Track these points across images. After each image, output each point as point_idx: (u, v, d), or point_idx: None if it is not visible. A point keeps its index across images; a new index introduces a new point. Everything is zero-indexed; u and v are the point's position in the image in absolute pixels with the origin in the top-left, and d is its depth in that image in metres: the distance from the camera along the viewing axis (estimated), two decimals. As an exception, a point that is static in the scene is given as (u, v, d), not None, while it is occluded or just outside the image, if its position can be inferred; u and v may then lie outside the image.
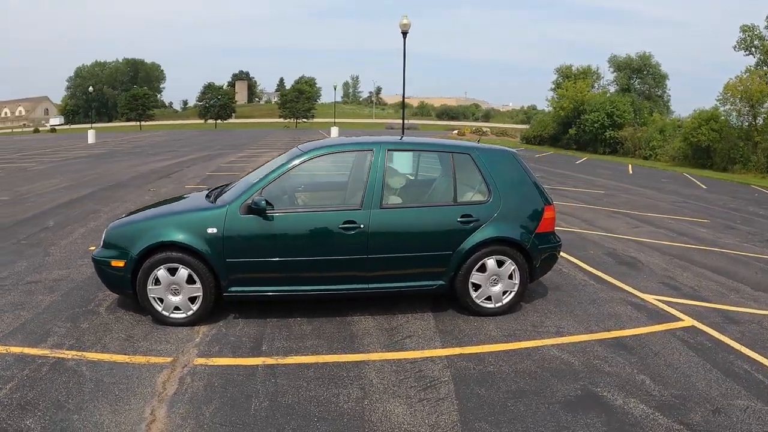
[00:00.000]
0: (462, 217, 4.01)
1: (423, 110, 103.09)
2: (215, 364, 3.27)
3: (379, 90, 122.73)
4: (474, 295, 4.09)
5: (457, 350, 3.57)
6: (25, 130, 70.87)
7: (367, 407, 2.84)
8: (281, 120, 71.76)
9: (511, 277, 4.13)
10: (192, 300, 3.79)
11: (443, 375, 3.21)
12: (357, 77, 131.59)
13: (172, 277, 3.72)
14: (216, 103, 72.81)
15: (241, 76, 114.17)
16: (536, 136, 35.94)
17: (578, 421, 2.75)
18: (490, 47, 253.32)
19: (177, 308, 3.78)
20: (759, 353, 3.62)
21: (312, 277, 3.92)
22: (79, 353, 3.33)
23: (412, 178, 4.51)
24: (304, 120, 70.28)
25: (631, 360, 3.46)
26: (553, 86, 36.71)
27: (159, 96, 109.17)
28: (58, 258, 5.37)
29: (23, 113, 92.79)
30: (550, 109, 36.64)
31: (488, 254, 4.04)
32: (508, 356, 3.49)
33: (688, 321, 4.17)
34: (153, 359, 3.30)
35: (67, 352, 3.34)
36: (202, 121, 73.04)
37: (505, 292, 4.16)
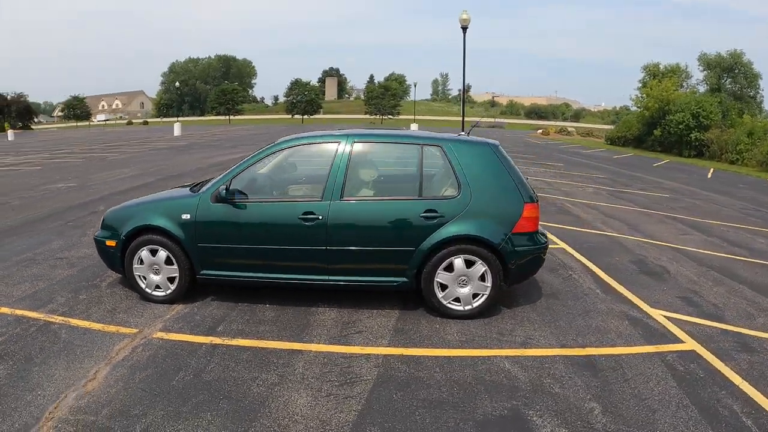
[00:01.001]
0: (425, 212, 3.82)
1: (512, 109, 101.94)
2: (170, 338, 3.52)
3: (468, 88, 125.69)
4: (440, 295, 3.89)
5: (399, 351, 3.43)
6: (118, 122, 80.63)
7: (273, 394, 2.89)
8: (367, 116, 74.26)
9: (482, 279, 3.87)
10: (171, 280, 4.09)
11: (369, 374, 3.11)
12: (446, 75, 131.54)
13: (153, 258, 4.05)
14: (303, 98, 77.20)
15: (331, 72, 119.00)
16: (620, 137, 34.85)
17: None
18: (582, 45, 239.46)
19: (158, 287, 4.11)
20: (762, 391, 2.99)
21: (276, 265, 4.00)
22: (66, 319, 3.77)
23: (381, 170, 4.36)
24: (390, 116, 71.88)
25: (592, 383, 3.04)
26: (640, 85, 35.67)
27: (250, 91, 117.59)
28: (91, 239, 5.77)
29: (119, 106, 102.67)
30: (637, 109, 36.21)
31: (455, 253, 3.82)
32: (450, 363, 3.27)
33: (689, 344, 3.58)
34: (122, 329, 3.63)
35: (57, 317, 3.80)
36: (290, 117, 77.76)
37: (476, 295, 3.90)
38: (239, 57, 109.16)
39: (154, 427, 2.57)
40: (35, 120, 64.83)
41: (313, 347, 3.46)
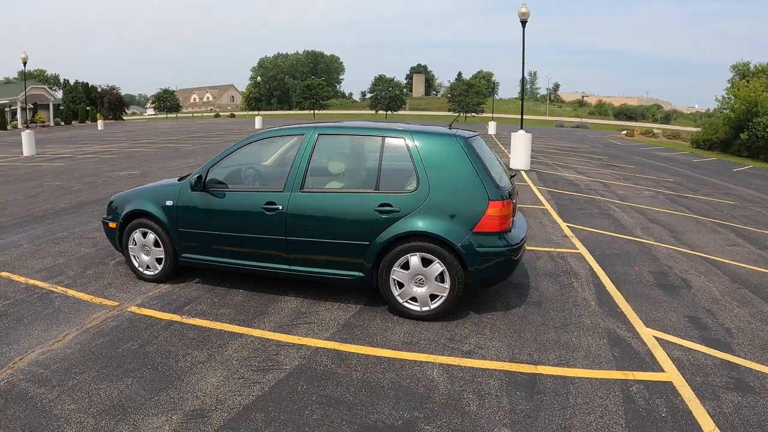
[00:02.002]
0: (380, 206, 3.70)
1: (601, 109, 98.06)
2: (139, 313, 3.82)
3: (556, 87, 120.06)
4: (396, 293, 3.76)
5: (333, 345, 3.38)
6: (205, 114, 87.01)
7: (193, 370, 3.05)
8: (451, 113, 74.11)
9: (440, 279, 3.66)
10: (158, 261, 4.42)
11: (290, 364, 3.13)
12: (535, 73, 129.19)
13: (144, 240, 4.42)
14: (386, 94, 78.91)
15: (419, 69, 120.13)
16: (706, 140, 31.30)
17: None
18: (677, 43, 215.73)
19: (148, 267, 4.48)
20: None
21: (243, 252, 4.15)
22: (65, 290, 4.25)
23: (344, 163, 4.30)
24: (473, 114, 71.14)
25: (518, 407, 2.72)
26: (728, 85, 32.40)
27: (338, 87, 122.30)
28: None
29: (210, 99, 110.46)
30: (724, 111, 32.68)
31: (410, 250, 3.66)
32: (376, 364, 3.15)
33: (669, 374, 3.08)
34: (106, 302, 4.00)
35: (59, 287, 4.29)
36: (373, 112, 79.79)
37: (434, 296, 3.71)
38: (327, 53, 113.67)
39: (82, 383, 2.85)
40: (126, 111, 72.19)
41: (256, 333, 3.53)
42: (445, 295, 3.75)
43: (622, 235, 6.74)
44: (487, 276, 3.75)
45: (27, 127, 30.13)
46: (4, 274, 4.74)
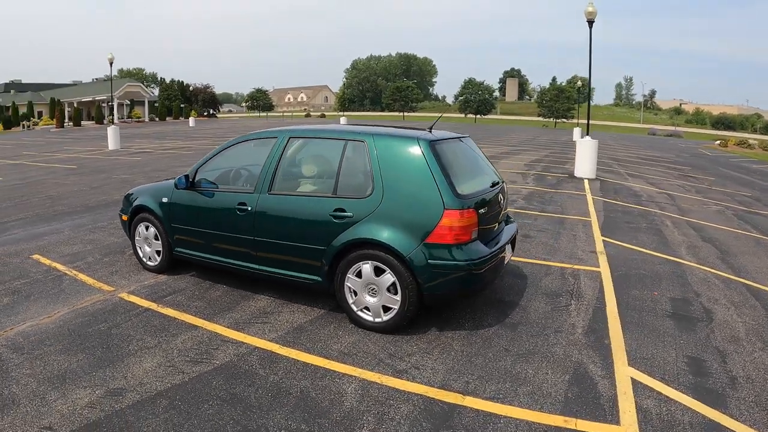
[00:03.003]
0: (335, 210, 3.68)
1: (698, 117, 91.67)
2: (125, 299, 4.20)
3: (652, 93, 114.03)
4: (351, 301, 3.72)
5: (271, 346, 3.46)
6: (296, 114, 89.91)
7: (138, 354, 3.34)
8: (540, 119, 71.36)
9: (392, 290, 3.55)
10: (158, 253, 4.83)
11: (221, 359, 3.28)
12: (630, 78, 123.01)
13: (146, 233, 4.85)
14: (476, 97, 77.56)
15: (513, 73, 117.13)
16: None
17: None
18: None
19: (150, 258, 4.90)
20: None
21: (220, 249, 4.35)
22: (77, 273, 4.81)
23: (309, 166, 4.30)
24: (564, 120, 67.64)
25: None
26: None
27: (431, 89, 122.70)
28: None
29: (304, 99, 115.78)
30: None
31: (363, 258, 3.60)
32: (299, 370, 3.18)
33: (622, 428, 2.67)
34: (104, 287, 4.47)
35: (73, 271, 4.87)
36: (462, 116, 78.91)
37: (387, 308, 3.60)
38: (420, 55, 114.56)
39: (45, 354, 3.31)
40: (220, 108, 76.76)
41: (211, 327, 3.73)
42: (396, 307, 3.61)
43: (661, 254, 5.99)
44: (440, 291, 3.53)
45: (112, 123, 33.61)
46: (36, 256, 5.39)
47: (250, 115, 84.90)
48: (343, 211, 3.70)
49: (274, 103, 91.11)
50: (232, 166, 4.64)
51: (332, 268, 3.78)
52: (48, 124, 49.96)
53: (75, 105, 54.78)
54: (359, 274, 3.68)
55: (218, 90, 79.04)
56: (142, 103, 59.90)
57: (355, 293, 3.73)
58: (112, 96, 32.62)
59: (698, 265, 5.56)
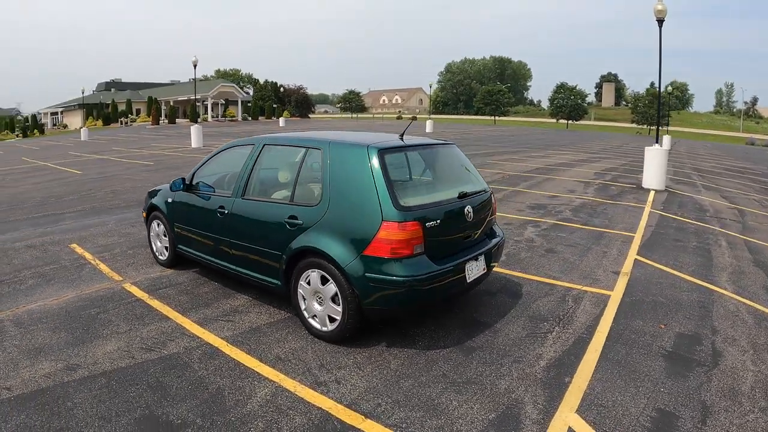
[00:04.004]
0: (288, 217, 3.80)
1: None
2: (126, 289, 4.71)
3: (755, 100, 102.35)
4: (303, 307, 3.81)
5: (219, 343, 3.63)
6: (385, 116, 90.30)
7: (106, 336, 3.72)
8: (634, 125, 65.71)
9: (335, 301, 3.57)
10: (166, 249, 5.33)
11: (168, 350, 3.52)
12: (731, 85, 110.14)
13: (157, 229, 5.39)
14: (568, 102, 73.06)
15: (609, 77, 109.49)
16: None
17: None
18: None
19: (161, 253, 5.43)
20: None
21: (207, 248, 4.63)
22: (99, 263, 5.47)
23: (278, 173, 4.38)
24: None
25: None
26: None
27: (525, 94, 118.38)
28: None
29: (399, 101, 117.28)
30: None
31: (311, 266, 3.66)
32: (226, 369, 3.29)
33: None
34: (115, 277, 5.06)
35: (97, 260, 5.55)
36: (554, 121, 74.89)
37: (333, 319, 3.64)
38: (515, 59, 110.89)
39: (37, 329, 3.85)
40: (313, 109, 78.23)
41: (180, 320, 4.06)
42: (339, 318, 3.63)
43: (695, 279, 5.23)
44: (378, 306, 3.48)
45: (196, 122, 35.77)
46: (73, 245, 6.06)
47: (342, 116, 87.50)
48: (296, 218, 3.82)
49: (368, 105, 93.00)
50: (221, 171, 4.91)
51: (288, 274, 3.91)
52: (144, 122, 54.66)
53: (171, 104, 59.25)
54: (309, 282, 3.77)
55: (315, 91, 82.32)
56: (235, 103, 63.44)
57: (306, 300, 3.82)
58: (195, 96, 35.74)
59: (733, 295, 4.79)
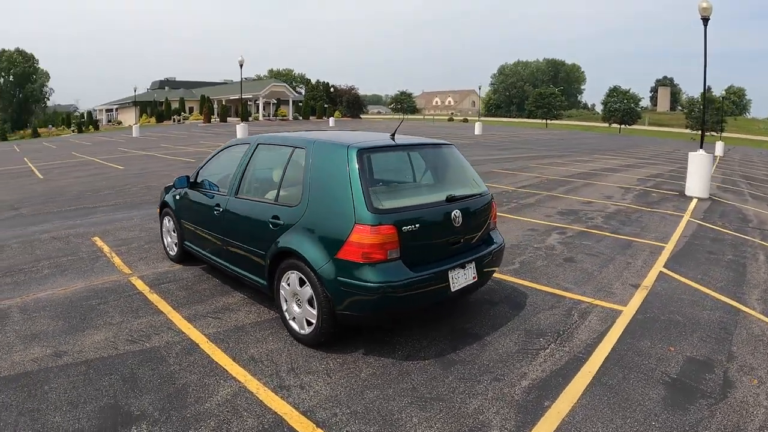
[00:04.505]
0: (272, 217, 3.79)
1: None
2: (132, 282, 4.88)
3: None
4: (284, 308, 3.79)
5: (200, 340, 3.66)
6: (436, 117, 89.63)
7: (99, 326, 3.88)
8: (688, 131, 61.77)
9: (311, 304, 3.51)
10: (176, 244, 5.50)
11: (151, 343, 3.59)
12: None
13: (168, 225, 5.59)
14: (620, 106, 69.59)
15: (665, 81, 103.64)
16: None
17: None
18: None
19: (171, 248, 5.60)
20: None
21: (208, 244, 4.69)
22: (114, 256, 5.72)
23: (268, 172, 4.33)
24: (713, 133, 57.24)
25: None
26: None
27: (579, 97, 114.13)
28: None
29: (451, 103, 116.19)
30: None
31: (290, 267, 3.61)
32: (198, 366, 3.31)
33: None
34: (125, 270, 5.28)
35: (113, 254, 5.81)
36: (607, 125, 71.63)
37: (310, 322, 3.57)
38: (568, 62, 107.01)
39: (39, 317, 4.05)
40: (364, 109, 77.61)
41: (171, 315, 4.15)
42: (314, 322, 3.57)
43: (722, 296, 4.80)
44: (351, 312, 3.38)
45: (242, 120, 36.49)
46: (95, 238, 6.37)
47: (394, 117, 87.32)
48: (278, 218, 3.82)
49: (421, 106, 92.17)
50: (223, 169, 4.98)
51: (271, 274, 3.91)
52: (197, 120, 56.44)
53: (223, 102, 60.76)
54: (289, 283, 3.75)
55: (368, 92, 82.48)
56: (287, 103, 64.49)
57: (287, 301, 3.79)
58: (241, 95, 36.65)
59: (761, 316, 4.38)
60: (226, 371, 3.28)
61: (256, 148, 4.36)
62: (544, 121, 75.86)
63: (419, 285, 3.33)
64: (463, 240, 3.76)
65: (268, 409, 2.88)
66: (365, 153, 3.50)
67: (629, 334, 3.92)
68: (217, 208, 4.46)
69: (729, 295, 4.87)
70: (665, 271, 5.58)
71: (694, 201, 10.73)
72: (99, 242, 6.32)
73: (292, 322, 3.73)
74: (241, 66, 26.92)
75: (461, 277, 3.64)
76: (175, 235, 5.41)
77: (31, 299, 4.42)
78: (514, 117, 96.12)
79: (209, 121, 52.19)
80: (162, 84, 74.26)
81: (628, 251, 6.36)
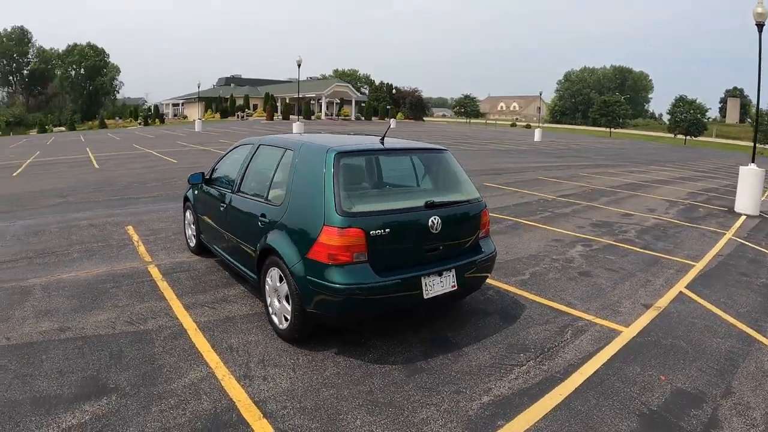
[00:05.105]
0: (260, 215, 3.96)
1: None
2: (149, 270, 5.23)
3: None
4: (268, 302, 3.94)
5: (189, 326, 3.84)
6: (498, 122, 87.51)
7: (104, 307, 4.17)
8: (758, 145, 55.78)
9: (288, 300, 3.63)
10: (194, 236, 5.83)
11: (145, 326, 3.82)
12: None
13: (189, 218, 5.96)
14: (687, 117, 64.67)
15: (735, 92, 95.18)
16: None
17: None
18: None
19: (190, 239, 5.96)
20: None
21: (215, 237, 4.93)
22: (140, 245, 6.16)
23: (264, 172, 4.34)
24: None
25: None
26: None
27: (646, 106, 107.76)
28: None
29: (516, 108, 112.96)
30: None
31: (272, 263, 3.76)
32: (178, 352, 3.47)
33: None
34: (147, 258, 5.70)
35: (140, 242, 6.26)
36: (672, 136, 67.03)
37: (286, 318, 3.68)
38: (636, 69, 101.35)
39: (57, 295, 4.44)
40: (427, 112, 76.23)
41: (173, 302, 4.42)
42: (289, 318, 3.68)
43: (739, 323, 4.45)
44: (318, 311, 3.46)
45: (298, 119, 36.97)
46: (129, 227, 6.86)
47: (458, 120, 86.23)
48: (265, 216, 3.99)
49: (486, 111, 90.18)
50: (231, 167, 5.14)
51: (259, 269, 4.07)
52: (260, 117, 58.03)
53: (287, 101, 61.78)
54: (272, 279, 3.89)
55: (434, 95, 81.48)
56: (349, 103, 65.25)
57: (270, 296, 3.94)
58: (298, 93, 38.09)
59: None
60: (202, 357, 3.48)
61: (257, 148, 4.57)
62: (607, 129, 72.31)
63: (387, 289, 3.35)
64: (442, 247, 3.71)
65: (226, 395, 3.04)
66: (343, 156, 3.56)
67: (620, 358, 3.69)
68: (222, 203, 4.72)
69: (748, 322, 4.45)
70: (686, 291, 5.18)
71: (742, 218, 9.86)
72: (131, 231, 6.85)
73: (273, 317, 3.88)
74: (299, 65, 27.86)
75: (437, 285, 3.60)
76: (194, 227, 5.74)
77: (55, 279, 4.90)
78: (579, 124, 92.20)
79: (272, 119, 53.64)
80: (228, 81, 76.66)
81: (653, 268, 5.96)
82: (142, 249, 6.01)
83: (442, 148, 4.32)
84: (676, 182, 16.43)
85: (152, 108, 70.78)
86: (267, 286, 3.88)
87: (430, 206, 3.65)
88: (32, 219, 7.63)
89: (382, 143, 3.94)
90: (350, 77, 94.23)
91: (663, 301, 4.87)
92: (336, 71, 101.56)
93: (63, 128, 63.66)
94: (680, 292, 5.17)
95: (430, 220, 3.58)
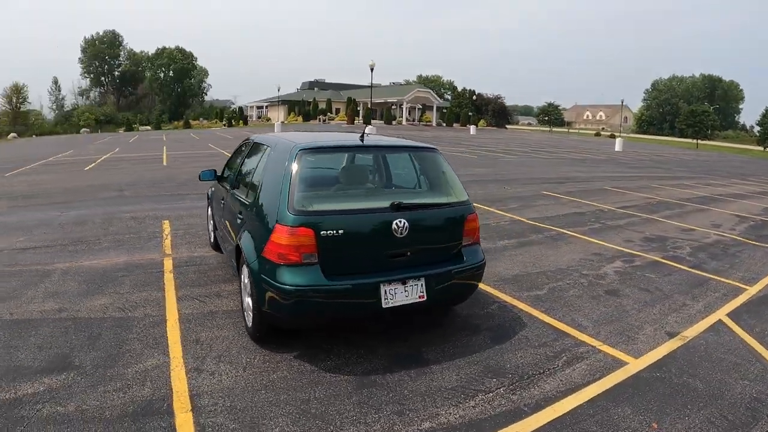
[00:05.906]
0: (239, 213, 3.98)
1: None
2: (164, 261, 5.49)
3: None
4: (243, 299, 3.85)
5: (172, 317, 3.89)
6: (581, 131, 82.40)
7: (106, 293, 4.35)
8: None
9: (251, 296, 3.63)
10: (212, 232, 6.02)
11: (135, 312, 3.95)
12: None
13: (209, 213, 6.17)
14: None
15: None
16: None
17: None
18: None
19: (210, 235, 6.19)
20: None
21: (221, 232, 4.95)
22: (166, 239, 6.53)
23: (253, 170, 4.23)
24: None
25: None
26: None
27: (736, 117, 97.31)
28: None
29: (602, 118, 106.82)
30: None
31: (243, 261, 3.69)
32: (151, 335, 3.52)
33: None
34: (167, 251, 6.00)
35: (168, 236, 6.62)
36: (762, 149, 59.11)
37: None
38: (726, 78, 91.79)
39: (72, 279, 4.76)
40: (510, 119, 73.03)
41: (171, 293, 4.55)
42: (251, 315, 3.63)
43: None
44: (271, 311, 3.37)
45: (369, 123, 36.38)
46: (165, 221, 7.44)
47: (541, 129, 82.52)
48: (241, 213, 4.03)
49: (572, 119, 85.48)
50: (234, 164, 5.07)
51: (238, 266, 4.08)
52: (341, 120, 58.49)
53: (368, 105, 61.51)
54: (244, 276, 3.85)
55: (520, 103, 78.40)
56: (431, 108, 64.32)
57: (243, 293, 3.94)
58: (371, 98, 38.32)
59: None
60: (166, 347, 3.57)
61: (251, 147, 4.62)
62: (694, 140, 65.49)
63: (336, 295, 3.19)
64: (410, 253, 3.44)
65: (167, 385, 3.09)
66: (307, 153, 3.47)
67: (611, 395, 3.17)
68: (223, 200, 4.88)
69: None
70: (725, 320, 4.42)
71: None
72: (165, 225, 7.28)
73: (245, 314, 3.87)
74: (372, 69, 28.11)
75: (399, 294, 3.33)
76: (212, 223, 5.86)
77: (76, 266, 5.33)
78: (666, 135, 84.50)
79: (353, 122, 54.36)
80: (312, 85, 78.02)
81: (696, 290, 5.17)
82: (167, 242, 6.35)
83: (431, 146, 4.07)
84: (754, 197, 14.30)
85: (237, 110, 72.95)
86: (242, 284, 3.87)
87: (397, 208, 3.36)
88: (83, 210, 8.27)
89: (362, 140, 3.78)
90: (433, 83, 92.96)
91: (693, 330, 4.18)
92: (419, 77, 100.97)
93: (149, 127, 67.58)
94: (719, 320, 4.43)
95: (394, 223, 3.31)
